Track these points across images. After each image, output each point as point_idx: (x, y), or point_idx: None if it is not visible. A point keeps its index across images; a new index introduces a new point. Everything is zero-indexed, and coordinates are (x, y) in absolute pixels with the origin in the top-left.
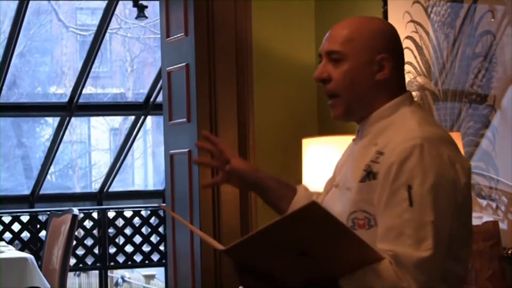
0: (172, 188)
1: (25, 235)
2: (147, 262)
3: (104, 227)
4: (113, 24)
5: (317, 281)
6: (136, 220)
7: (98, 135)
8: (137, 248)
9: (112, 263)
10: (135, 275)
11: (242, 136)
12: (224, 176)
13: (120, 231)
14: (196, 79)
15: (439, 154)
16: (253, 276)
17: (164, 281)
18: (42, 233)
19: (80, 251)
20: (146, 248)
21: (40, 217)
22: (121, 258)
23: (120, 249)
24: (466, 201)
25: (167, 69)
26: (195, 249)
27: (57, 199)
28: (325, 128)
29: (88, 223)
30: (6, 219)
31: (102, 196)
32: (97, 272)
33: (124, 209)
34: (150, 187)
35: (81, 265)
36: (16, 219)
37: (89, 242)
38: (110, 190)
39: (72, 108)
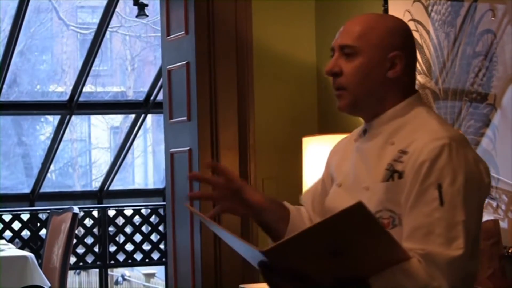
0: (173, 187)
1: (26, 233)
2: (147, 260)
3: (104, 226)
4: (114, 22)
5: (347, 281)
6: (136, 219)
7: (98, 133)
8: (137, 247)
9: (112, 262)
10: (135, 273)
11: (243, 134)
12: (226, 205)
13: (120, 229)
14: (197, 77)
15: (465, 154)
16: (286, 277)
17: (164, 279)
18: (43, 232)
19: (80, 250)
20: (146, 246)
21: (40, 215)
22: (121, 257)
23: (120, 247)
24: (484, 201)
25: (168, 67)
26: (195, 247)
27: (57, 197)
28: (325, 127)
29: (88, 222)
30: (7, 217)
31: (102, 194)
32: (97, 270)
33: (124, 208)
34: (150, 185)
35: (81, 264)
36: (16, 217)
37: (89, 240)
38: (110, 188)
39: (72, 106)
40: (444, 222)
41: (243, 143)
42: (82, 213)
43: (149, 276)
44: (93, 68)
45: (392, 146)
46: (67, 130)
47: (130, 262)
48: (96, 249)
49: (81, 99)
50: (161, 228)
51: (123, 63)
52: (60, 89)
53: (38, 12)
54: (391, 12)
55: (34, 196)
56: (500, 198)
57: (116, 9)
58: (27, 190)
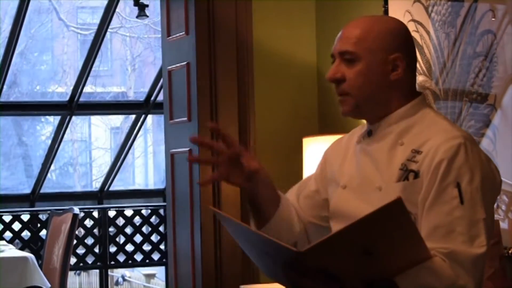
0: (173, 187)
1: (26, 234)
2: (147, 261)
3: (105, 226)
4: (114, 23)
5: (376, 282)
6: (137, 219)
7: (98, 133)
8: (138, 247)
9: (112, 262)
10: (136, 274)
11: (243, 135)
12: (223, 171)
13: (120, 230)
14: (197, 78)
15: (478, 153)
16: (317, 278)
17: (164, 280)
18: (43, 232)
19: (80, 250)
20: (146, 247)
21: (40, 216)
22: (121, 257)
23: (121, 248)
24: (496, 199)
25: (168, 68)
26: (196, 248)
27: (57, 198)
28: (325, 128)
29: (88, 222)
30: (7, 218)
31: (103, 195)
32: (97, 271)
33: (125, 208)
34: (151, 186)
35: (81, 264)
36: (16, 218)
37: (89, 241)
38: (110, 189)
39: (73, 107)
40: (465, 220)
41: (243, 143)
42: (82, 214)
43: (150, 276)
44: (93, 68)
45: (402, 147)
46: (68, 130)
47: (130, 262)
48: (97, 249)
49: (81, 99)
50: (161, 228)
51: (123, 63)
52: (61, 90)
53: (39, 13)
54: (391, 12)
55: (34, 197)
56: (500, 198)
57: (117, 10)
58: (27, 190)
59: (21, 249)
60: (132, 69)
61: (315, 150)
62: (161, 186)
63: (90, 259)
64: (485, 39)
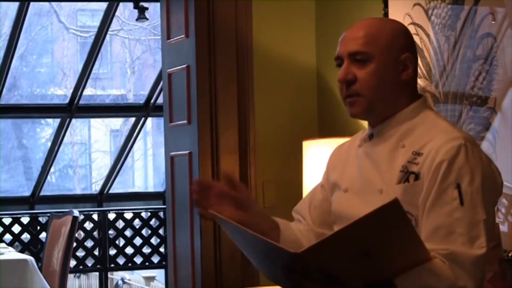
0: (173, 190)
1: (25, 236)
2: (147, 264)
3: (104, 229)
4: (114, 25)
5: (376, 284)
6: (137, 222)
7: (98, 136)
8: (137, 250)
9: (112, 265)
10: (135, 277)
11: (243, 138)
12: (216, 206)
13: (120, 232)
14: (197, 80)
15: (479, 154)
16: (317, 280)
17: (164, 283)
18: (42, 235)
19: (80, 253)
20: (146, 250)
21: (40, 218)
22: (121, 260)
23: (120, 251)
24: (497, 201)
25: (168, 70)
26: (196, 251)
27: (57, 200)
28: (325, 130)
29: (88, 225)
30: (7, 220)
31: (102, 197)
32: (97, 274)
33: (124, 211)
34: (150, 188)
35: (81, 267)
36: (16, 220)
37: (89, 243)
38: (110, 191)
39: (73, 109)
40: (465, 221)
41: (243, 146)
42: (82, 216)
43: (149, 279)
44: (93, 71)
45: (404, 149)
46: (67, 133)
47: (130, 265)
48: (96, 252)
49: (81, 102)
50: (161, 231)
51: (123, 66)
52: (60, 92)
53: (39, 16)
54: (392, 15)
55: (34, 199)
56: (500, 201)
57: (116, 13)
58: (27, 193)
59: (21, 251)
60: (132, 71)
61: (315, 153)
62: (160, 188)
63: (89, 262)
64: (485, 42)
